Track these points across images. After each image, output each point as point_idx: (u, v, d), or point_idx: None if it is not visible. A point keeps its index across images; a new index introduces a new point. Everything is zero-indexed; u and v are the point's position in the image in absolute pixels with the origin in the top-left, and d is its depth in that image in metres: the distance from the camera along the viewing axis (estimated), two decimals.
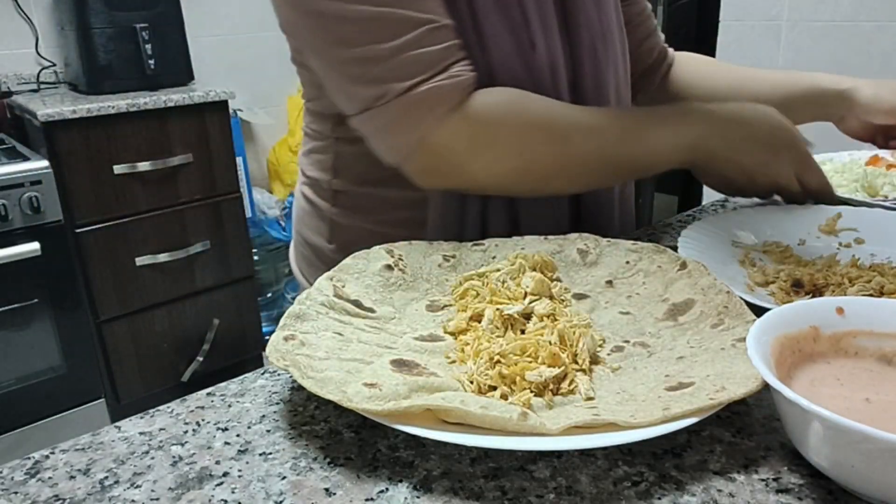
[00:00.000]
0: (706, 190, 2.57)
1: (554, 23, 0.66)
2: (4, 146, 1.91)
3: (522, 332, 0.48)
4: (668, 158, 0.63)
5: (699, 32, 2.57)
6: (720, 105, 0.66)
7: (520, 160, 0.62)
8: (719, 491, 0.36)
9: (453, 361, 0.47)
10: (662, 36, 0.92)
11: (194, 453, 0.41)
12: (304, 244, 0.82)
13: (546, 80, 0.65)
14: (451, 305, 0.54)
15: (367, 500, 0.36)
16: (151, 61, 2.06)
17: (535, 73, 0.64)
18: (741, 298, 0.49)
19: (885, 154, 0.85)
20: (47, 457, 0.41)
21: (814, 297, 0.55)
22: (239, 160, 2.22)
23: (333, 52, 0.59)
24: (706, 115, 0.65)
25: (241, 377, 0.49)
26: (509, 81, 0.62)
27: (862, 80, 0.80)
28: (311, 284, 0.51)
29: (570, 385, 0.43)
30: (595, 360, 0.47)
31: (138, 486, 0.38)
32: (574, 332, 0.46)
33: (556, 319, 0.49)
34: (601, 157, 0.63)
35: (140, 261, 1.99)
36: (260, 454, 0.40)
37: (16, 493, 0.38)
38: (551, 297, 0.52)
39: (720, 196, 0.87)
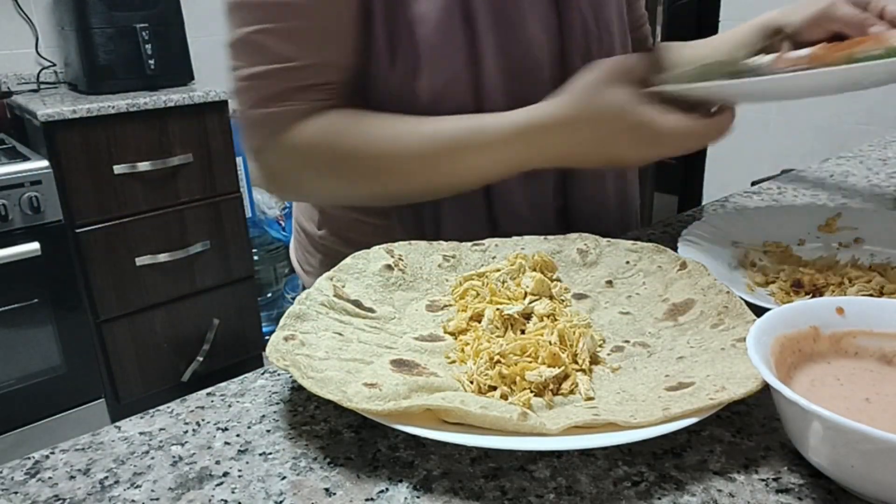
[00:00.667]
0: (706, 190, 2.58)
1: (550, 23, 0.66)
2: (4, 146, 1.91)
3: (522, 332, 0.48)
4: (499, 176, 0.63)
5: (699, 32, 2.56)
6: (564, 110, 0.58)
7: (340, 183, 0.66)
8: (719, 491, 0.36)
9: (453, 361, 0.47)
10: (652, 40, 0.92)
11: (194, 453, 0.41)
12: (299, 230, 0.84)
13: (534, 77, 0.66)
14: (451, 305, 0.54)
15: (367, 500, 0.36)
16: (151, 61, 2.06)
17: (483, 92, 0.64)
18: (741, 298, 0.49)
19: None
20: (47, 457, 0.41)
21: (814, 297, 0.55)
22: (239, 160, 2.22)
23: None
24: (539, 131, 0.59)
25: (241, 377, 0.49)
26: (455, 99, 0.64)
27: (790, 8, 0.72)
28: (304, 271, 0.52)
29: (570, 385, 0.43)
30: (595, 360, 0.47)
31: (138, 486, 0.38)
32: (574, 333, 0.46)
33: (556, 319, 0.49)
34: (416, 185, 0.64)
35: (140, 261, 1.99)
36: (260, 454, 0.40)
37: (16, 493, 0.38)
38: (551, 297, 0.52)
39: (720, 196, 0.87)
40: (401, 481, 0.37)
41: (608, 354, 0.48)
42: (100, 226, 1.90)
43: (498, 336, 0.48)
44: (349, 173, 0.64)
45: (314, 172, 0.65)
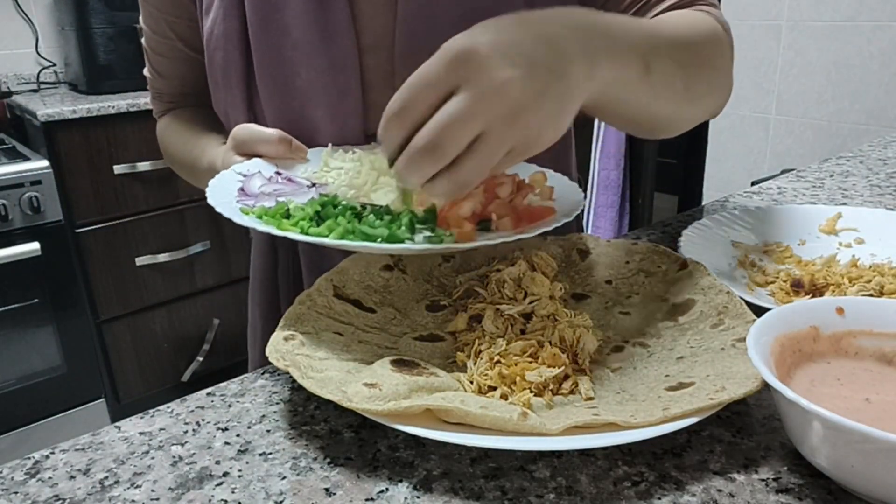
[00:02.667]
0: (706, 190, 2.58)
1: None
2: (4, 146, 1.91)
3: (522, 332, 0.48)
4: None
5: None
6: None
7: (176, 169, 0.83)
8: (719, 491, 0.36)
9: (453, 362, 0.47)
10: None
11: (194, 453, 0.41)
12: None
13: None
14: (451, 306, 0.54)
15: (367, 500, 0.36)
16: None
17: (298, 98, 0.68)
18: (741, 298, 0.49)
19: None
20: (47, 457, 0.41)
21: (814, 297, 0.55)
22: None
23: None
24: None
25: (241, 377, 0.49)
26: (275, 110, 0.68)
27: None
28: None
29: (570, 385, 0.43)
30: (595, 360, 0.47)
31: (138, 486, 0.38)
32: (574, 333, 0.46)
33: (556, 320, 0.49)
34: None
35: (140, 261, 1.99)
36: (260, 454, 0.40)
37: (16, 493, 0.38)
38: (551, 297, 0.52)
39: (720, 196, 0.87)
40: (401, 481, 0.37)
41: (608, 354, 0.48)
42: (100, 226, 1.90)
43: (498, 336, 0.48)
44: (171, 164, 0.82)
45: (167, 158, 0.83)
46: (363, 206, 0.55)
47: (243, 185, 0.60)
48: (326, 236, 0.49)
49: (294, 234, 0.48)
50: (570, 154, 0.78)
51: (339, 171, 0.62)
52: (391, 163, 0.44)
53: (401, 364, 0.43)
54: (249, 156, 0.65)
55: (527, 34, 0.42)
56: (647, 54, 0.49)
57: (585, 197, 2.26)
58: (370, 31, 0.64)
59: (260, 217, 0.52)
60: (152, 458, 0.40)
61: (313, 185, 0.61)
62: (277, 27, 0.64)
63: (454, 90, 0.40)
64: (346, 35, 0.63)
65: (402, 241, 0.49)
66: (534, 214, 0.52)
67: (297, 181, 0.62)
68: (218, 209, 0.51)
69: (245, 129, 0.66)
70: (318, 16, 0.63)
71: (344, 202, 0.55)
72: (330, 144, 0.67)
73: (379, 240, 0.48)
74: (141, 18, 0.76)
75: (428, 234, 0.50)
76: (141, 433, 0.43)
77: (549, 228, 0.50)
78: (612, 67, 0.46)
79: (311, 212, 0.53)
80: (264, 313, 0.83)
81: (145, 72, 0.82)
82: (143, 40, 0.78)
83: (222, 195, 0.57)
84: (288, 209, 0.54)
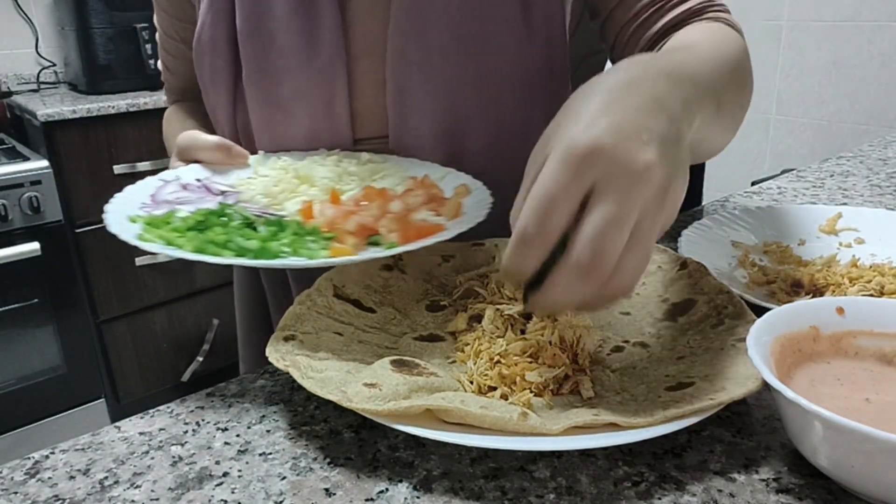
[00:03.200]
0: (706, 190, 2.58)
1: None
2: (4, 146, 1.91)
3: (522, 332, 0.48)
4: None
5: None
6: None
7: None
8: (719, 491, 0.36)
9: (453, 362, 0.47)
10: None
11: (194, 453, 0.41)
12: None
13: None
14: (451, 306, 0.54)
15: (367, 500, 0.36)
16: (151, 61, 2.06)
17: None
18: (741, 298, 0.49)
19: None
20: (47, 457, 0.41)
21: (814, 297, 0.55)
22: None
23: None
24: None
25: (240, 377, 0.49)
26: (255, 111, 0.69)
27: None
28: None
29: (570, 385, 0.43)
30: (595, 360, 0.47)
31: (138, 487, 0.38)
32: (574, 333, 0.46)
33: (556, 320, 0.48)
34: None
35: (140, 261, 1.99)
36: (260, 454, 0.40)
37: (15, 493, 0.38)
38: None
39: (720, 196, 0.87)
40: (401, 481, 0.37)
41: (608, 355, 0.48)
42: (100, 226, 1.89)
43: (498, 336, 0.48)
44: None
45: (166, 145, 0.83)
46: (259, 217, 0.55)
47: (155, 192, 0.60)
48: (186, 248, 0.49)
49: (154, 247, 0.48)
50: None
51: (266, 178, 0.62)
52: (525, 289, 0.38)
53: (401, 364, 0.43)
54: (190, 162, 0.66)
55: (639, 104, 0.37)
56: (718, 92, 0.47)
57: None
58: (360, 38, 0.64)
59: (148, 225, 0.52)
60: (152, 458, 0.40)
61: (222, 193, 0.61)
62: (264, 35, 0.64)
63: (590, 193, 0.35)
64: (334, 43, 0.63)
65: (274, 257, 0.49)
66: (422, 231, 0.52)
67: (214, 189, 0.62)
68: (105, 216, 0.53)
69: (186, 137, 0.67)
70: (304, 23, 0.63)
71: (235, 213, 0.55)
72: (261, 152, 0.67)
73: (251, 255, 0.48)
74: (154, 16, 0.78)
75: (313, 247, 0.50)
76: (141, 433, 0.43)
77: (435, 242, 0.51)
78: (700, 114, 0.43)
79: (193, 221, 0.53)
80: (252, 313, 0.83)
81: (158, 64, 0.85)
82: (156, 35, 0.81)
83: (128, 200, 0.58)
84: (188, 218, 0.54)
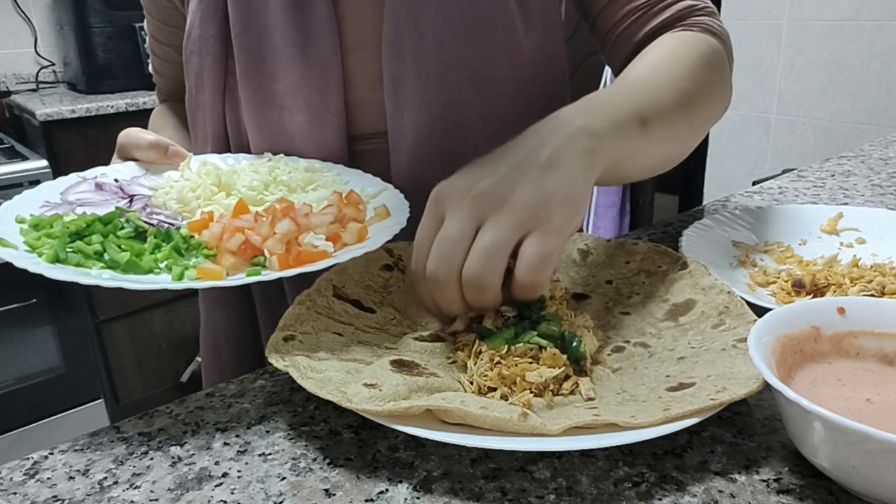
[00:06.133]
0: (707, 190, 2.58)
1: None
2: (3, 146, 1.91)
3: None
4: None
5: None
6: None
7: None
8: (720, 492, 0.36)
9: (454, 362, 0.46)
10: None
11: (193, 454, 0.40)
12: None
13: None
14: None
15: (366, 500, 0.36)
16: (150, 61, 2.05)
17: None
18: (742, 298, 0.48)
19: None
20: (46, 457, 0.41)
21: (815, 297, 0.55)
22: None
23: None
24: None
25: (240, 377, 0.49)
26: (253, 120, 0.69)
27: None
28: None
29: (570, 386, 0.43)
30: (595, 360, 0.46)
31: (137, 487, 0.38)
32: (575, 333, 0.46)
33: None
34: None
35: None
36: (259, 455, 0.40)
37: (14, 493, 0.38)
38: (552, 298, 0.52)
39: (721, 196, 0.87)
40: (401, 482, 0.37)
41: (609, 355, 0.48)
42: None
43: None
44: None
45: None
46: (152, 227, 0.53)
47: (66, 190, 0.58)
48: (44, 258, 0.46)
49: (6, 253, 0.46)
50: None
51: (188, 182, 0.60)
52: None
53: (400, 364, 0.43)
54: (127, 160, 0.66)
55: (502, 158, 0.46)
56: (642, 114, 0.51)
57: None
58: (355, 30, 0.64)
59: (34, 226, 0.50)
60: (151, 458, 0.40)
61: (131, 198, 0.59)
62: (258, 30, 0.64)
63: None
64: (328, 36, 0.63)
65: (146, 272, 0.47)
66: (302, 258, 0.49)
67: (128, 191, 0.60)
68: None
69: (126, 135, 0.67)
70: (299, 18, 0.63)
71: (129, 221, 0.53)
72: (190, 155, 0.65)
73: (119, 268, 0.46)
74: (144, 21, 0.79)
75: (189, 263, 0.48)
76: (140, 434, 0.43)
77: (314, 270, 0.48)
78: (610, 142, 0.48)
79: (75, 227, 0.50)
80: (239, 314, 0.81)
81: (149, 67, 0.88)
82: (146, 39, 0.83)
83: (36, 197, 0.55)
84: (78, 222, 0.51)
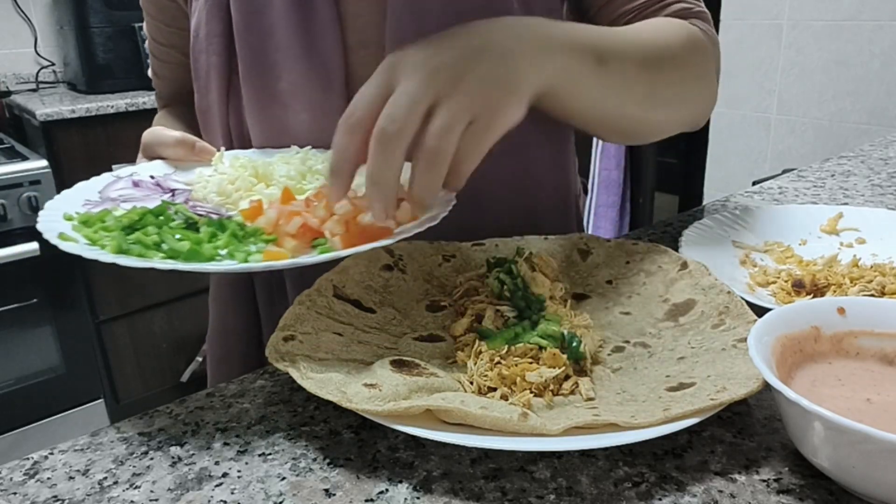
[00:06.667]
0: (707, 190, 2.58)
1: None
2: (3, 146, 1.91)
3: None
4: None
5: None
6: None
7: None
8: (720, 492, 0.36)
9: (453, 362, 0.46)
10: None
11: (193, 454, 0.40)
12: None
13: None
14: (451, 306, 0.54)
15: (366, 500, 0.36)
16: (150, 60, 2.05)
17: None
18: (742, 298, 0.48)
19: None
20: (46, 457, 0.41)
21: (815, 297, 0.55)
22: None
23: None
24: None
25: (240, 377, 0.49)
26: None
27: None
28: None
29: (570, 386, 0.43)
30: (595, 360, 0.46)
31: (137, 487, 0.38)
32: (574, 333, 0.46)
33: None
34: None
35: None
36: (259, 455, 0.40)
37: (14, 493, 0.38)
38: (552, 298, 0.52)
39: (721, 196, 0.87)
40: (401, 482, 0.37)
41: (609, 355, 0.48)
42: None
43: None
44: None
45: None
46: (202, 217, 0.53)
47: (104, 188, 0.59)
48: (108, 249, 0.47)
49: (73, 247, 0.46)
50: (570, 157, 0.77)
51: (224, 175, 0.60)
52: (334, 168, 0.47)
53: (400, 364, 0.43)
54: (154, 159, 0.65)
55: (459, 39, 0.46)
56: (601, 49, 0.51)
57: (587, 196, 2.24)
58: (357, 28, 0.64)
59: (81, 223, 0.50)
60: (151, 458, 0.40)
61: (173, 191, 0.59)
62: (261, 29, 0.64)
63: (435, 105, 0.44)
64: (330, 34, 0.63)
65: (208, 259, 0.47)
66: (368, 235, 0.49)
67: (166, 187, 0.60)
68: (41, 212, 0.52)
69: (150, 133, 0.66)
70: (301, 17, 0.63)
71: (178, 213, 0.53)
72: (223, 148, 0.65)
73: (181, 257, 0.47)
74: (143, 24, 0.79)
75: (251, 248, 0.48)
76: (140, 434, 0.43)
77: (380, 246, 0.48)
78: (561, 57, 0.49)
79: (127, 220, 0.50)
80: (242, 313, 0.81)
81: (149, 72, 0.86)
82: (146, 44, 0.81)
83: (75, 197, 0.56)
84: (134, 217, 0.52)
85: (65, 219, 0.52)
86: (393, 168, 0.44)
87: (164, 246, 0.48)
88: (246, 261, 0.47)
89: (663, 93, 0.58)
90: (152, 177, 0.62)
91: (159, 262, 0.45)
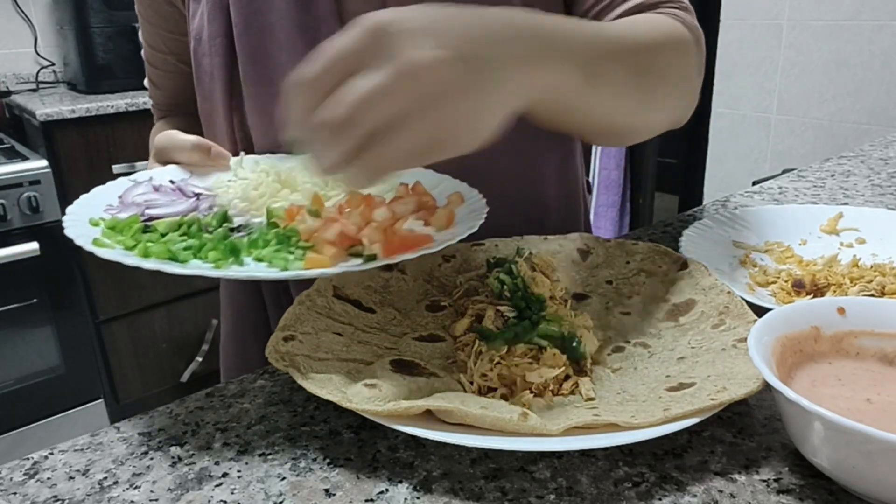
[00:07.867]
0: (707, 190, 2.58)
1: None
2: (3, 146, 1.91)
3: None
4: None
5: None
6: None
7: None
8: (720, 492, 0.36)
9: (454, 362, 0.46)
10: None
11: (193, 454, 0.40)
12: None
13: None
14: (451, 306, 0.54)
15: (366, 500, 0.36)
16: None
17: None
18: (742, 299, 0.48)
19: None
20: (46, 457, 0.41)
21: (815, 297, 0.55)
22: None
23: None
24: None
25: (240, 377, 0.49)
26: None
27: None
28: None
29: (570, 386, 0.43)
30: (595, 360, 0.46)
31: (137, 487, 0.38)
32: (575, 333, 0.46)
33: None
34: None
35: None
36: (259, 455, 0.40)
37: (14, 493, 0.38)
38: (552, 298, 0.52)
39: (721, 196, 0.87)
40: (401, 482, 0.37)
41: (609, 355, 0.48)
42: None
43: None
44: None
45: None
46: (238, 225, 0.53)
47: (124, 193, 0.58)
48: (151, 256, 0.46)
49: (109, 253, 0.46)
50: (577, 163, 0.76)
51: (245, 181, 0.60)
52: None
53: (400, 365, 0.43)
54: (168, 164, 0.65)
55: (461, 23, 0.39)
56: (589, 60, 0.48)
57: (591, 195, 2.25)
58: None
59: (110, 229, 0.50)
60: (151, 458, 0.40)
61: (197, 196, 0.58)
62: (261, 28, 0.63)
63: (369, 65, 0.37)
64: (332, 33, 0.62)
65: (240, 265, 0.47)
66: (407, 242, 0.47)
67: (188, 192, 0.59)
68: (65, 217, 0.51)
69: (164, 137, 0.65)
70: (302, 15, 0.62)
71: (212, 220, 0.53)
72: (242, 153, 0.65)
73: (213, 264, 0.46)
74: (139, 32, 0.78)
75: (289, 255, 0.48)
76: (140, 434, 0.43)
77: (421, 255, 0.47)
78: (548, 73, 0.43)
79: (167, 228, 0.50)
80: (239, 315, 0.80)
81: (145, 82, 0.85)
82: (142, 52, 0.81)
83: (94, 202, 0.55)
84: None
85: (91, 224, 0.52)
86: (330, 157, 0.38)
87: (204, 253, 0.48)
88: (286, 268, 0.46)
89: (653, 94, 0.57)
90: (172, 181, 0.61)
91: (207, 269, 0.45)
